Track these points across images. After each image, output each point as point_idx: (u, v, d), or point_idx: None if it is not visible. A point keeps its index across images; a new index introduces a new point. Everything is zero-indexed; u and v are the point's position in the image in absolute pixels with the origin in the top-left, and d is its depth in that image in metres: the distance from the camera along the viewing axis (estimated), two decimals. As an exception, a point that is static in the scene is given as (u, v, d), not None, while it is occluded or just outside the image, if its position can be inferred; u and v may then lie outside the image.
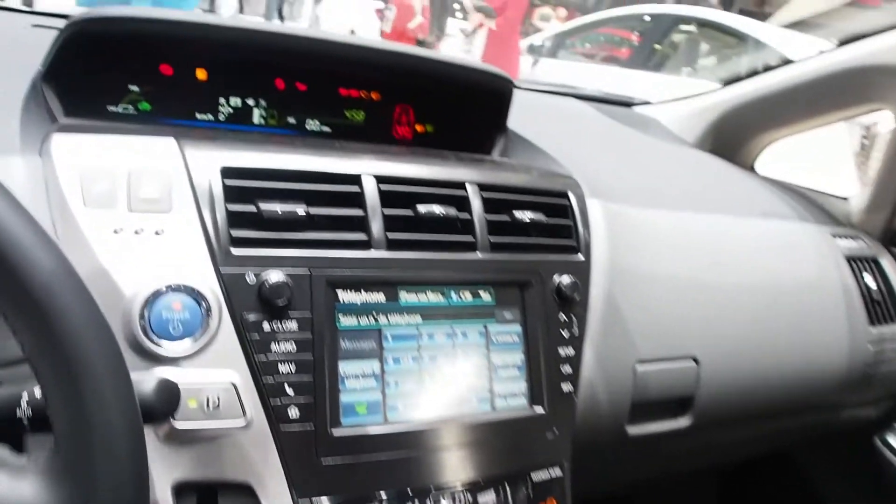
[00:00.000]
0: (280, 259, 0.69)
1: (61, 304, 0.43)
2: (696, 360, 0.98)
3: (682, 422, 0.99)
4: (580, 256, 0.88)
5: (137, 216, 0.66)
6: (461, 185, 0.82)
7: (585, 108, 1.53)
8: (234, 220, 0.69)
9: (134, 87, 0.92)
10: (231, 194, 0.70)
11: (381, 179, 0.77)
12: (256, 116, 1.00)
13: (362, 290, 0.73)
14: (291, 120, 1.02)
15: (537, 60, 5.48)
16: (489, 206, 0.82)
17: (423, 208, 0.78)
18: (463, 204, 0.81)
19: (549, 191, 0.89)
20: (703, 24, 5.00)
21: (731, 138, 1.54)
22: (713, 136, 1.55)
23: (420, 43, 4.98)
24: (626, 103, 1.68)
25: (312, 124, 1.04)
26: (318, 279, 0.70)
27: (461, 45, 5.79)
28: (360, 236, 0.74)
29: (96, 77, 0.89)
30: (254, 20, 0.90)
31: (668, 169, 1.29)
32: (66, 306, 0.43)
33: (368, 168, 0.77)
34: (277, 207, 0.70)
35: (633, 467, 1.05)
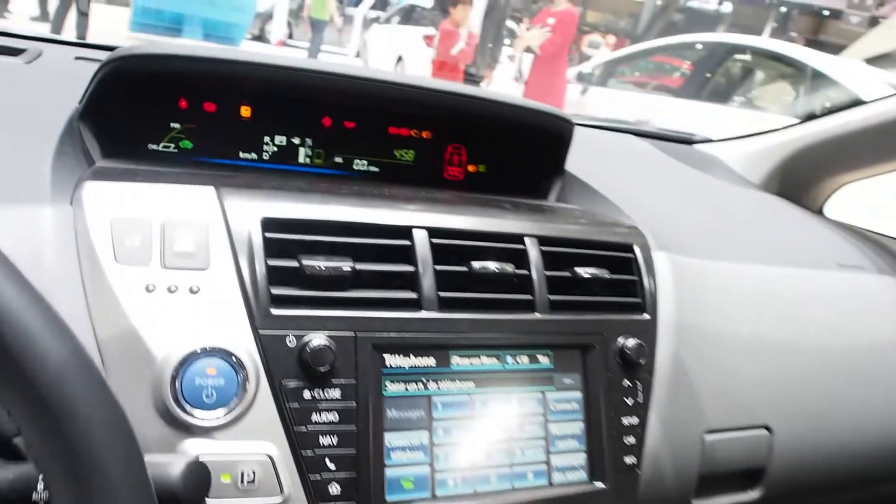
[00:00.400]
0: (323, 320, 0.64)
1: (73, 404, 0.38)
2: (768, 429, 0.89)
3: (753, 494, 0.90)
4: (646, 315, 0.81)
5: (171, 273, 0.61)
6: (519, 239, 0.76)
7: (643, 146, 1.46)
8: (275, 276, 0.64)
9: (175, 125, 0.89)
10: (272, 248, 0.65)
11: (433, 232, 0.71)
12: (302, 155, 0.96)
13: (411, 354, 0.67)
14: (338, 159, 0.98)
15: (586, 88, 5.41)
16: (549, 261, 0.76)
17: (478, 265, 0.72)
18: (521, 259, 0.75)
19: (613, 244, 0.83)
20: (761, 54, 4.87)
21: (800, 180, 1.45)
22: (780, 177, 1.47)
23: (469, 75, 4.94)
24: (687, 140, 1.60)
25: (360, 164, 0.99)
26: (364, 342, 0.65)
27: (513, 71, 5.76)
28: (410, 295, 0.69)
29: (136, 115, 0.85)
30: (301, 58, 0.85)
31: (734, 214, 1.21)
32: (79, 406, 0.38)
33: (420, 219, 0.72)
34: (321, 263, 0.65)
35: None
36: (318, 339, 0.62)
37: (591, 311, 0.78)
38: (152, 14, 8.02)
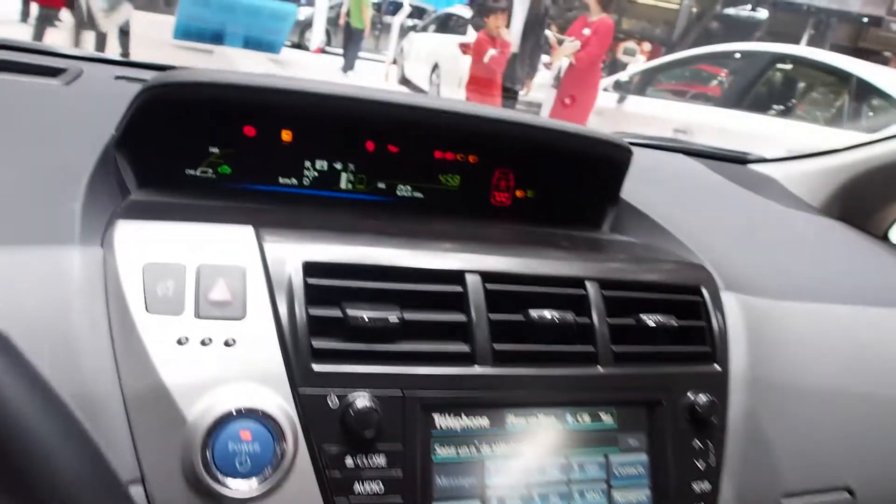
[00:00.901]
0: (368, 377, 0.58)
1: None
2: (850, 492, 0.82)
3: None
4: (716, 367, 0.74)
5: (205, 323, 0.56)
6: (580, 283, 0.69)
7: (696, 166, 1.38)
8: (316, 327, 0.58)
9: (214, 150, 0.84)
10: (313, 295, 0.59)
11: (487, 277, 0.65)
12: (344, 181, 0.91)
13: (463, 415, 0.61)
14: (381, 185, 0.93)
15: (624, 97, 5.30)
16: (611, 307, 0.70)
17: (535, 313, 0.65)
18: (581, 305, 0.68)
19: (680, 286, 0.76)
20: (805, 63, 4.73)
21: (865, 204, 1.37)
22: (842, 200, 1.38)
23: (506, 89, 4.87)
24: (740, 160, 1.52)
25: (404, 190, 0.94)
26: (412, 402, 0.59)
27: (549, 78, 5.67)
28: (462, 348, 0.63)
29: (174, 140, 0.81)
30: (344, 84, 0.80)
31: (799, 243, 1.13)
32: None
33: (472, 262, 0.66)
34: (367, 314, 0.59)
35: None
36: (362, 399, 0.56)
37: (657, 363, 0.71)
38: (195, 23, 8.08)
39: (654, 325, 0.71)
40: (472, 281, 0.64)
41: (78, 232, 0.59)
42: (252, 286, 0.58)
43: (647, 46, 11.72)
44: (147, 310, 0.55)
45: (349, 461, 0.56)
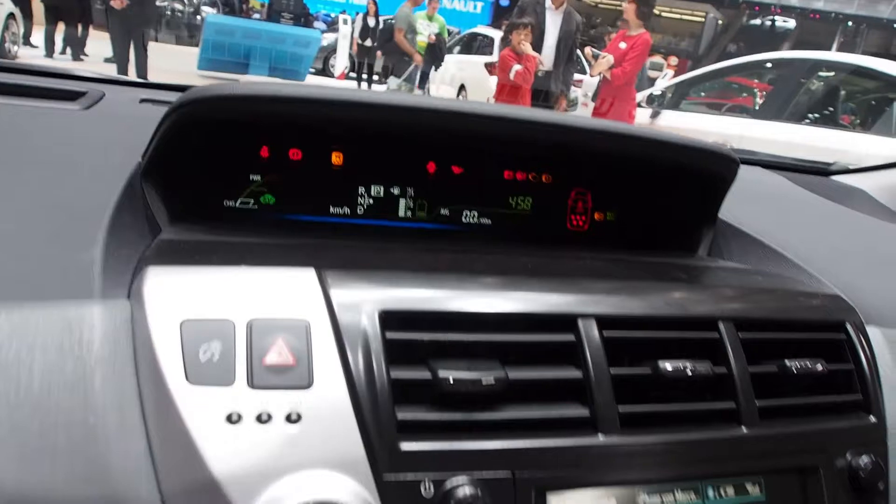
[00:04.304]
0: (468, 456, 0.46)
1: None
2: None
3: None
4: (871, 418, 0.61)
5: (262, 395, 0.44)
6: (712, 324, 0.57)
7: (779, 180, 1.25)
8: (401, 393, 0.46)
9: (255, 177, 0.74)
10: (395, 353, 0.47)
11: (603, 322, 0.53)
12: (402, 208, 0.80)
13: (587, 496, 0.49)
14: (444, 212, 0.82)
15: (658, 112, 5.16)
16: (750, 352, 0.57)
17: (666, 365, 0.53)
18: (715, 352, 0.56)
19: (822, 323, 0.63)
20: (846, 69, 4.55)
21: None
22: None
23: (546, 100, 4.74)
24: (823, 171, 1.39)
25: (470, 216, 0.82)
26: (525, 485, 0.46)
27: (580, 96, 5.51)
28: (581, 412, 0.50)
29: (209, 168, 0.70)
30: (398, 94, 0.69)
31: None
32: None
33: (584, 305, 0.53)
34: (461, 374, 0.47)
35: None
36: (464, 485, 0.44)
37: (806, 419, 0.58)
38: (222, 50, 8.12)
39: (800, 371, 0.58)
40: (587, 327, 0.52)
41: (99, 283, 0.48)
42: (318, 345, 0.46)
43: (673, 60, 11.55)
44: (188, 380, 0.44)
45: None
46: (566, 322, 0.52)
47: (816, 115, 4.55)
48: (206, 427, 0.43)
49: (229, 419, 0.43)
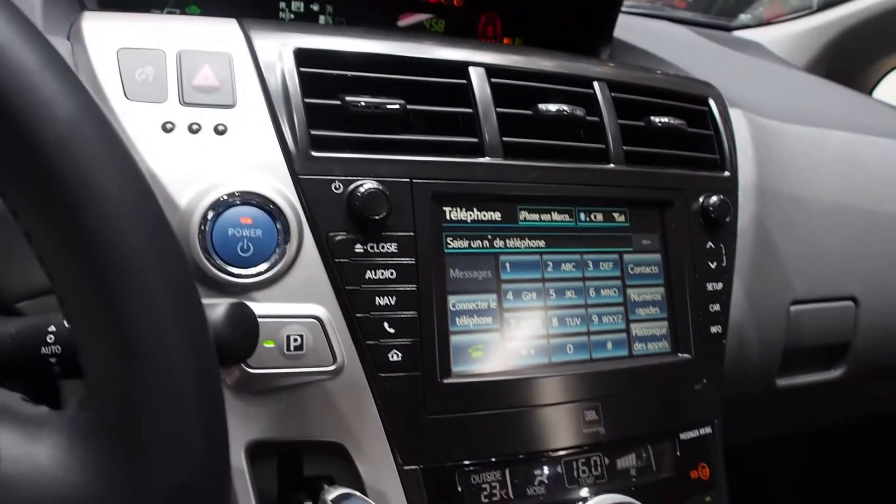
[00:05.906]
0: (373, 164, 0.54)
1: (84, 165, 0.28)
2: (855, 301, 0.81)
3: (835, 373, 0.83)
4: (726, 173, 0.72)
5: (192, 110, 0.52)
6: (588, 82, 0.66)
7: (685, 32, 1.34)
8: (314, 116, 0.54)
9: None
10: (309, 85, 0.55)
11: (492, 71, 0.61)
12: (321, 22, 0.86)
13: (474, 207, 0.58)
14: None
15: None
16: (621, 108, 0.66)
17: (544, 107, 0.62)
18: (591, 105, 0.65)
19: (689, 95, 0.73)
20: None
21: (850, 61, 1.35)
22: (828, 59, 1.36)
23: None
24: (725, 27, 1.49)
25: None
26: (422, 189, 0.55)
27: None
28: (471, 140, 0.59)
29: None
30: None
31: (794, 90, 1.11)
32: (91, 169, 0.28)
33: (476, 56, 0.62)
34: (367, 100, 0.55)
35: (774, 424, 0.89)
36: (369, 183, 0.53)
37: (667, 166, 0.68)
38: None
39: (663, 126, 0.68)
40: (477, 74, 0.60)
41: (40, 24, 0.54)
42: (240, 73, 0.54)
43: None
44: (127, 96, 0.51)
45: (358, 247, 0.53)
46: (460, 68, 0.60)
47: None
48: (144, 133, 0.50)
49: (164, 128, 0.51)
